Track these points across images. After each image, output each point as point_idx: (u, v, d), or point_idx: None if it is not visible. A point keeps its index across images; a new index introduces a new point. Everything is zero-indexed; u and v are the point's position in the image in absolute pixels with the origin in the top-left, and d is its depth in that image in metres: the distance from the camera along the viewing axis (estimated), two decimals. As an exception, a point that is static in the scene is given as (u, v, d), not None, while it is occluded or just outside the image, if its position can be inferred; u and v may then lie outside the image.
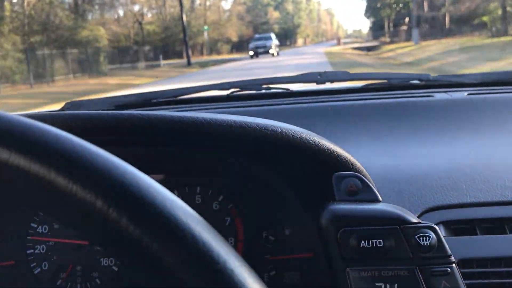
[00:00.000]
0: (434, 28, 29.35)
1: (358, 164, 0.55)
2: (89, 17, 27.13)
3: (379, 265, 0.46)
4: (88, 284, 0.78)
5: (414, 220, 0.47)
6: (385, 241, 0.45)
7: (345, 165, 0.54)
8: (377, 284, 0.46)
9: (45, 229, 0.78)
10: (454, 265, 0.45)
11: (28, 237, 0.78)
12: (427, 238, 0.45)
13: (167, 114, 0.52)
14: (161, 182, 0.79)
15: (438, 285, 0.45)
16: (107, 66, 23.81)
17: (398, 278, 0.46)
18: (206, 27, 37.47)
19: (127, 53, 27.28)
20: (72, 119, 0.55)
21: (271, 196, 0.76)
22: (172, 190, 0.78)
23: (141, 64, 27.19)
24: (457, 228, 0.71)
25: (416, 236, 0.45)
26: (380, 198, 0.51)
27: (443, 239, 0.46)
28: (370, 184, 0.51)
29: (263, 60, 25.08)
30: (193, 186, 0.79)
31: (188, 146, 0.54)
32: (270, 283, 0.76)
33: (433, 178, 0.78)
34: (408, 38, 29.81)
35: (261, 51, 30.28)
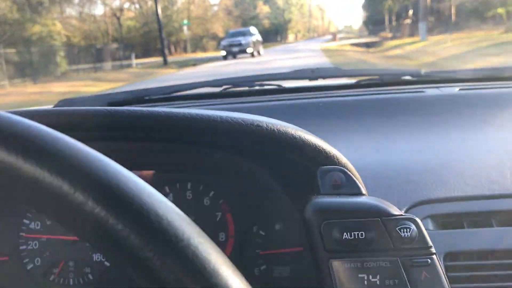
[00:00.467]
0: (439, 22, 27.12)
1: (344, 159, 0.56)
2: (47, 10, 21.78)
3: (361, 257, 0.47)
4: (81, 279, 0.79)
5: (396, 212, 0.48)
6: (367, 233, 0.46)
7: (330, 159, 0.55)
8: (360, 275, 0.47)
9: (37, 225, 0.79)
10: (434, 256, 0.46)
11: (21, 234, 0.79)
12: (408, 229, 0.46)
13: (153, 110, 0.53)
14: (152, 178, 0.80)
15: (419, 276, 0.45)
16: (66, 68, 19.80)
17: (380, 269, 0.46)
18: (185, 21, 32.67)
19: (90, 52, 22.60)
20: (56, 115, 0.55)
21: (261, 191, 0.77)
22: (162, 186, 0.80)
23: (107, 64, 22.86)
24: (445, 221, 0.72)
25: (397, 228, 0.46)
26: (364, 192, 0.52)
27: (424, 231, 0.47)
28: (354, 178, 0.52)
29: (243, 60, 20.43)
30: (184, 182, 0.80)
31: (174, 141, 0.55)
32: (260, 277, 0.77)
33: (422, 173, 0.79)
34: (412, 33, 26.34)
35: (236, 50, 23.44)
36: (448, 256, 0.69)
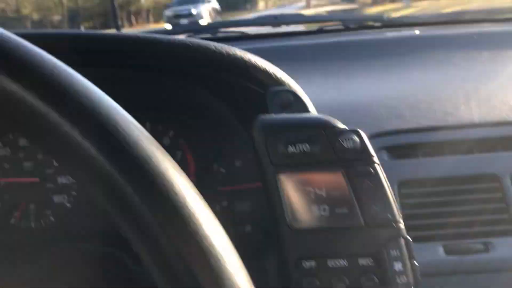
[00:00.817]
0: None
1: (292, 81, 0.56)
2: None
3: (307, 170, 0.48)
4: (42, 221, 0.79)
5: (340, 125, 0.49)
6: (311, 145, 0.47)
7: (279, 81, 0.55)
8: (305, 187, 0.48)
9: None
10: (376, 165, 0.47)
11: None
12: (351, 141, 0.47)
13: (97, 32, 0.52)
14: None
15: (362, 185, 0.47)
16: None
17: (326, 182, 0.48)
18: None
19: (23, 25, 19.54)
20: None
21: (220, 128, 0.77)
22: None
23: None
24: (400, 152, 0.74)
25: (340, 140, 0.47)
26: (312, 110, 0.53)
27: (367, 142, 0.48)
28: (302, 98, 0.53)
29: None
30: (143, 122, 0.79)
31: (121, 65, 0.54)
32: (221, 213, 0.78)
33: (379, 107, 0.81)
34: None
35: (185, 22, 14.14)
36: (403, 184, 0.71)
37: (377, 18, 1.20)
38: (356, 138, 0.47)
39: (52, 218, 0.79)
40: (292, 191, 0.48)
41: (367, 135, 0.78)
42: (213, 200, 0.78)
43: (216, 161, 0.79)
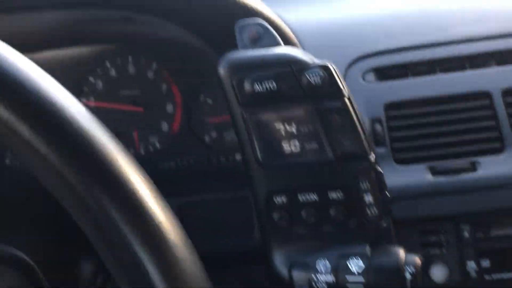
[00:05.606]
0: None
1: (264, 10, 0.54)
2: None
3: (275, 107, 0.47)
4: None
5: (307, 60, 0.47)
6: (278, 82, 0.46)
7: (249, 12, 0.52)
8: (275, 124, 0.47)
9: None
10: (346, 100, 0.46)
11: None
12: (318, 76, 0.46)
13: None
14: (90, 54, 0.78)
15: (331, 120, 0.46)
16: None
17: (294, 117, 0.47)
18: None
19: None
20: None
21: (204, 59, 0.75)
22: (103, 61, 0.78)
23: None
24: (389, 73, 0.71)
25: (307, 75, 0.46)
26: (281, 43, 0.50)
27: (336, 77, 0.46)
28: (271, 30, 0.50)
29: None
30: (125, 56, 0.78)
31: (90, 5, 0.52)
32: (211, 144, 0.79)
33: (366, 25, 0.77)
34: None
35: None
36: (389, 106, 0.69)
37: None
38: (324, 73, 0.46)
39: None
40: (261, 129, 0.48)
41: (353, 57, 0.76)
42: (202, 131, 0.79)
43: (202, 92, 0.78)
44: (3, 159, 0.79)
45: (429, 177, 0.66)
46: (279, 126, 0.48)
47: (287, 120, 0.47)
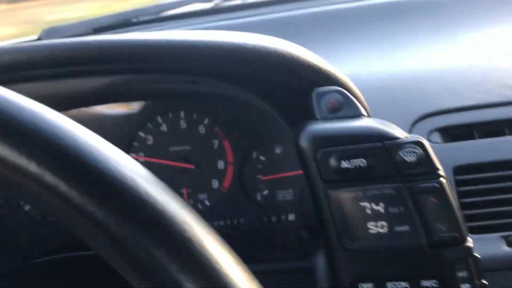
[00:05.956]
0: None
1: (343, 76, 0.50)
2: None
3: (362, 185, 0.43)
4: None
5: (399, 135, 0.43)
6: (368, 159, 0.42)
7: (326, 78, 0.49)
8: (361, 203, 0.43)
9: None
10: (443, 179, 0.42)
11: None
12: (413, 153, 0.42)
13: (127, 38, 0.47)
14: (142, 109, 0.75)
15: (425, 202, 0.42)
16: None
17: (383, 197, 0.43)
18: None
19: None
20: (36, 49, 0.50)
21: (258, 115, 0.72)
22: (154, 116, 0.75)
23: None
24: (454, 133, 0.68)
25: (400, 152, 0.42)
26: (365, 113, 0.47)
27: (431, 153, 0.42)
28: (353, 99, 0.47)
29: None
30: (177, 111, 0.75)
31: (155, 71, 0.49)
32: (263, 202, 0.75)
33: (430, 81, 0.73)
34: None
35: None
36: (458, 170, 0.65)
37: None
38: (419, 150, 0.42)
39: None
40: (345, 208, 0.44)
41: (418, 115, 0.73)
42: (254, 189, 0.75)
43: (255, 148, 0.75)
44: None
45: (504, 248, 0.61)
46: (366, 205, 0.43)
47: (374, 199, 0.43)
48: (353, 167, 0.42)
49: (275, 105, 0.52)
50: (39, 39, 1.06)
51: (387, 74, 0.77)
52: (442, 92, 0.72)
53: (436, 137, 0.67)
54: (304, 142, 0.44)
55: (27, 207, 0.76)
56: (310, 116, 0.48)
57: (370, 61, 0.83)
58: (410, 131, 0.67)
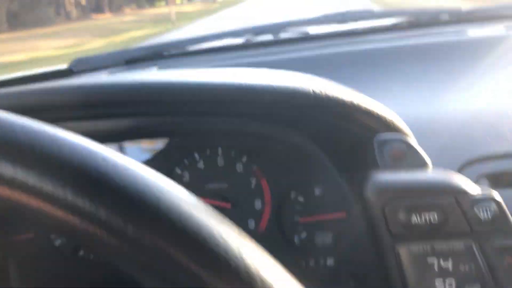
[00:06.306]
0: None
1: (402, 124, 0.49)
2: None
3: (431, 240, 0.41)
4: None
5: (472, 189, 0.41)
6: (439, 214, 0.40)
7: (387, 126, 0.48)
8: (429, 259, 0.41)
9: None
10: None
11: None
12: (488, 210, 0.40)
13: (172, 81, 0.46)
14: (179, 145, 0.74)
15: (500, 261, 0.40)
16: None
17: (453, 254, 0.41)
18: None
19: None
20: (64, 92, 0.50)
21: (298, 155, 0.70)
22: (192, 152, 0.74)
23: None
24: (505, 181, 0.66)
25: (474, 208, 0.40)
26: (430, 164, 0.45)
27: (506, 210, 0.40)
28: (417, 148, 0.45)
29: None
30: (214, 148, 0.74)
31: (197, 114, 0.48)
32: (301, 245, 0.73)
33: (474, 126, 0.72)
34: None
35: None
36: None
37: (454, 11, 1.09)
38: (494, 207, 0.40)
39: None
40: (413, 264, 0.42)
41: (463, 161, 0.71)
42: (291, 231, 0.73)
43: (293, 189, 0.73)
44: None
45: None
46: (433, 261, 0.41)
47: (443, 255, 0.41)
48: (424, 221, 0.40)
49: (329, 150, 0.51)
50: (70, 69, 1.06)
51: (429, 117, 0.75)
52: (487, 135, 0.70)
53: (485, 183, 0.66)
54: (371, 194, 0.42)
55: (57, 242, 0.74)
56: (372, 165, 0.46)
57: (409, 103, 0.81)
58: None
